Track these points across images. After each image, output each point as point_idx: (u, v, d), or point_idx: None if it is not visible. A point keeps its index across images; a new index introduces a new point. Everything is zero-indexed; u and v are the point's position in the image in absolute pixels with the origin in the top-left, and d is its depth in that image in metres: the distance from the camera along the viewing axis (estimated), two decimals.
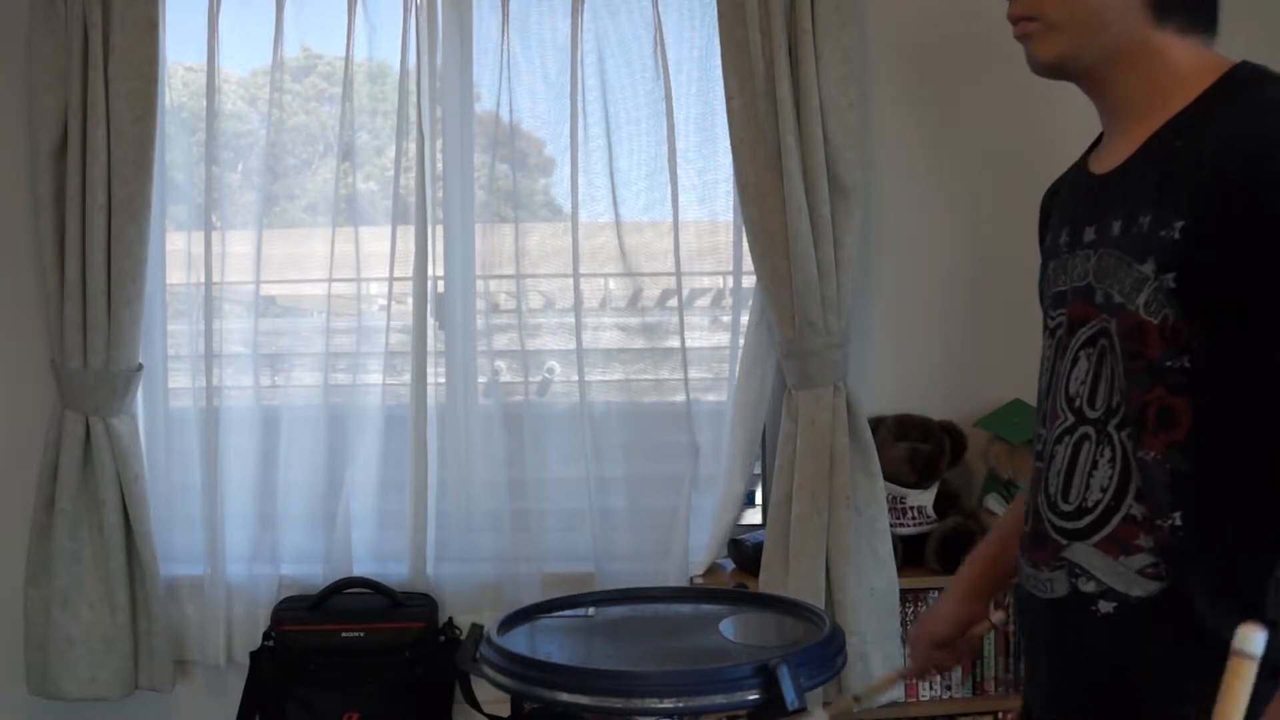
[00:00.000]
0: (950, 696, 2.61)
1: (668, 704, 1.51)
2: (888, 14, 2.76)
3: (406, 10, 2.66)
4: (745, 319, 2.72)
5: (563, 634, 1.82)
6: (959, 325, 2.77)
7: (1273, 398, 1.13)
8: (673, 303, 2.76)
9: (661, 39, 2.69)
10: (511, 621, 1.82)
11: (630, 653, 1.74)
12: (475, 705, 2.58)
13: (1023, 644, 1.42)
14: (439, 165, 2.71)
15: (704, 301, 2.94)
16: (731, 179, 2.64)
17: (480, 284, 2.76)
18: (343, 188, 2.71)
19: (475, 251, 2.75)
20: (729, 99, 2.56)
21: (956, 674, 2.60)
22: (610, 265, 2.77)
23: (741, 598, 1.99)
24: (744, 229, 2.62)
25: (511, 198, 2.74)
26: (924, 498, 2.65)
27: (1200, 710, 1.15)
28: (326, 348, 2.73)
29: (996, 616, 1.57)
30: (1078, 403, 1.26)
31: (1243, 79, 1.22)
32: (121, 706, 2.61)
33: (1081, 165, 1.39)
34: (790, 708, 1.50)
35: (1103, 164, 1.32)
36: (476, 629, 2.63)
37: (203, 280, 2.68)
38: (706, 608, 1.90)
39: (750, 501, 2.83)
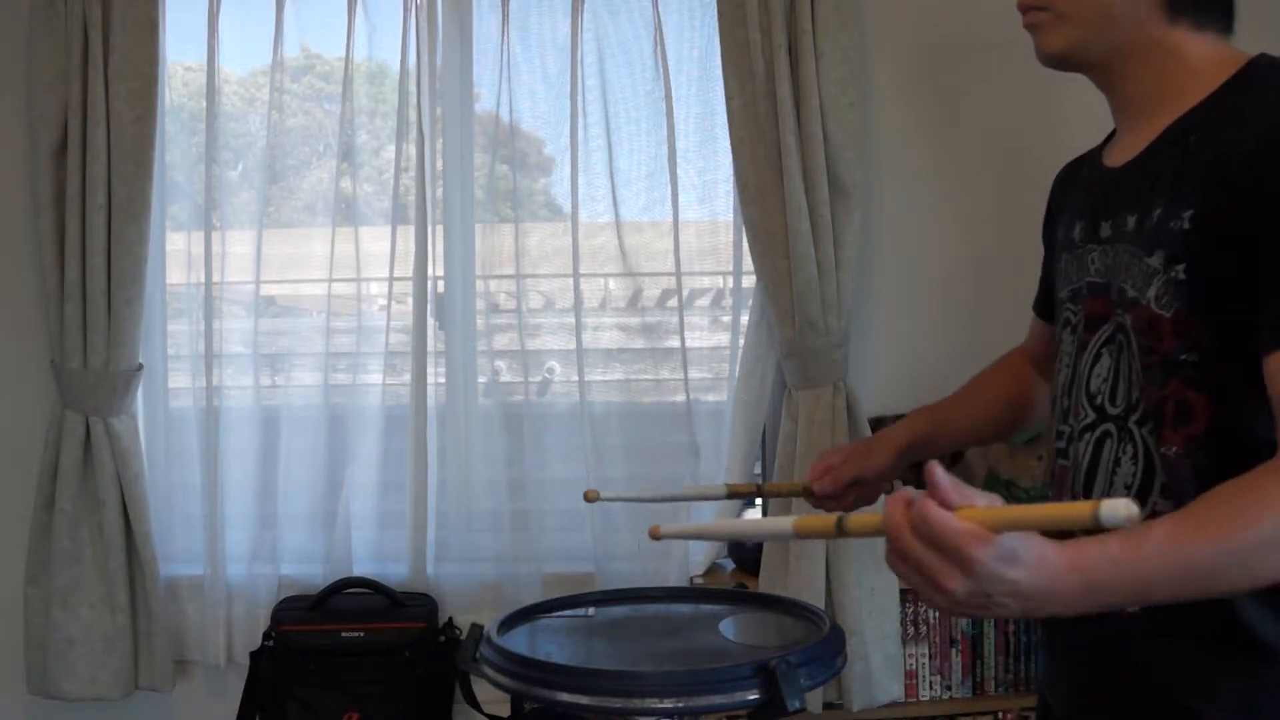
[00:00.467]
0: (950, 696, 2.61)
1: (668, 704, 1.51)
2: (888, 14, 2.76)
3: (406, 10, 2.66)
4: (745, 319, 2.72)
5: (563, 634, 1.82)
6: (959, 325, 2.77)
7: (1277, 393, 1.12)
8: (673, 303, 2.76)
9: (661, 39, 2.69)
10: (511, 621, 1.82)
11: (630, 653, 1.73)
12: (475, 705, 2.58)
13: (1044, 643, 1.41)
14: (439, 165, 2.71)
15: (704, 301, 2.94)
16: (731, 179, 2.64)
17: (480, 284, 2.76)
18: (342, 187, 2.72)
19: (475, 251, 2.75)
20: (729, 99, 2.56)
21: (957, 674, 2.61)
22: (610, 265, 2.77)
23: (741, 598, 1.98)
24: (744, 229, 2.62)
25: (511, 198, 2.74)
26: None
27: (1230, 711, 1.15)
28: (326, 348, 2.73)
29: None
30: (1099, 399, 1.25)
31: (1261, 72, 1.20)
32: (121, 706, 2.62)
33: (1095, 158, 1.37)
34: (790, 708, 1.50)
35: (1116, 158, 1.30)
36: (476, 629, 2.63)
37: (203, 280, 2.68)
38: (706, 608, 1.90)
39: (750, 501, 2.83)
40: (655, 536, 1.31)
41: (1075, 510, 0.90)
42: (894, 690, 2.57)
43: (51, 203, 2.53)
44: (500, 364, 2.80)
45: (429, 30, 2.66)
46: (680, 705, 1.51)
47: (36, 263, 2.59)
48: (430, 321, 2.71)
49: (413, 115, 2.66)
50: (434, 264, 2.71)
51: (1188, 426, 1.16)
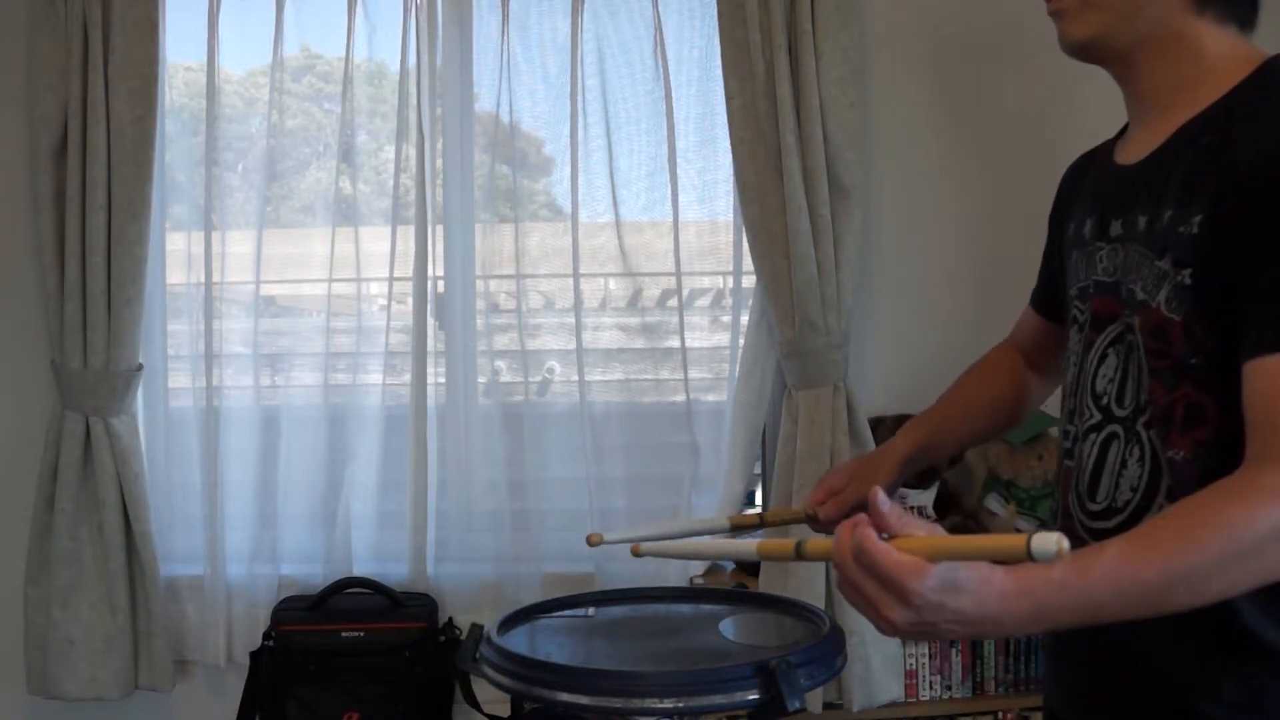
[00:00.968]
0: (950, 696, 2.61)
1: (668, 704, 1.51)
2: (888, 14, 2.76)
3: (406, 10, 2.66)
4: (745, 319, 2.72)
5: (563, 634, 1.81)
6: (959, 325, 2.77)
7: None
8: (673, 303, 2.76)
9: (661, 39, 2.69)
10: (511, 621, 1.82)
11: (630, 653, 1.73)
12: (475, 705, 2.58)
13: (1046, 644, 1.41)
14: (439, 165, 2.71)
15: (704, 301, 2.94)
16: (731, 179, 2.64)
17: (480, 284, 2.76)
18: (342, 188, 2.72)
19: (475, 251, 2.75)
20: (729, 99, 2.56)
21: (957, 674, 2.61)
22: (610, 265, 2.77)
23: (741, 598, 1.98)
24: (744, 229, 2.62)
25: (511, 198, 2.74)
26: (924, 498, 2.65)
27: (1233, 711, 1.15)
28: (326, 348, 2.73)
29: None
30: (1105, 400, 1.25)
31: (1273, 73, 1.20)
32: (121, 706, 2.62)
33: (1107, 153, 1.36)
34: (790, 708, 1.50)
35: (1129, 155, 1.29)
36: (476, 629, 2.63)
37: (203, 280, 2.68)
38: (706, 608, 1.90)
39: (750, 501, 2.83)
40: (636, 554, 1.37)
41: (1009, 542, 0.92)
42: (894, 690, 2.57)
43: (51, 203, 2.53)
44: (500, 364, 2.80)
45: (429, 30, 2.66)
46: (680, 705, 1.51)
47: (36, 263, 2.59)
48: (430, 321, 2.71)
49: (412, 115, 2.66)
50: (434, 264, 2.71)
51: (1196, 430, 1.16)
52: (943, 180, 2.80)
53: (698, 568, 2.71)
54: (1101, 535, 1.22)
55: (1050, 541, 0.89)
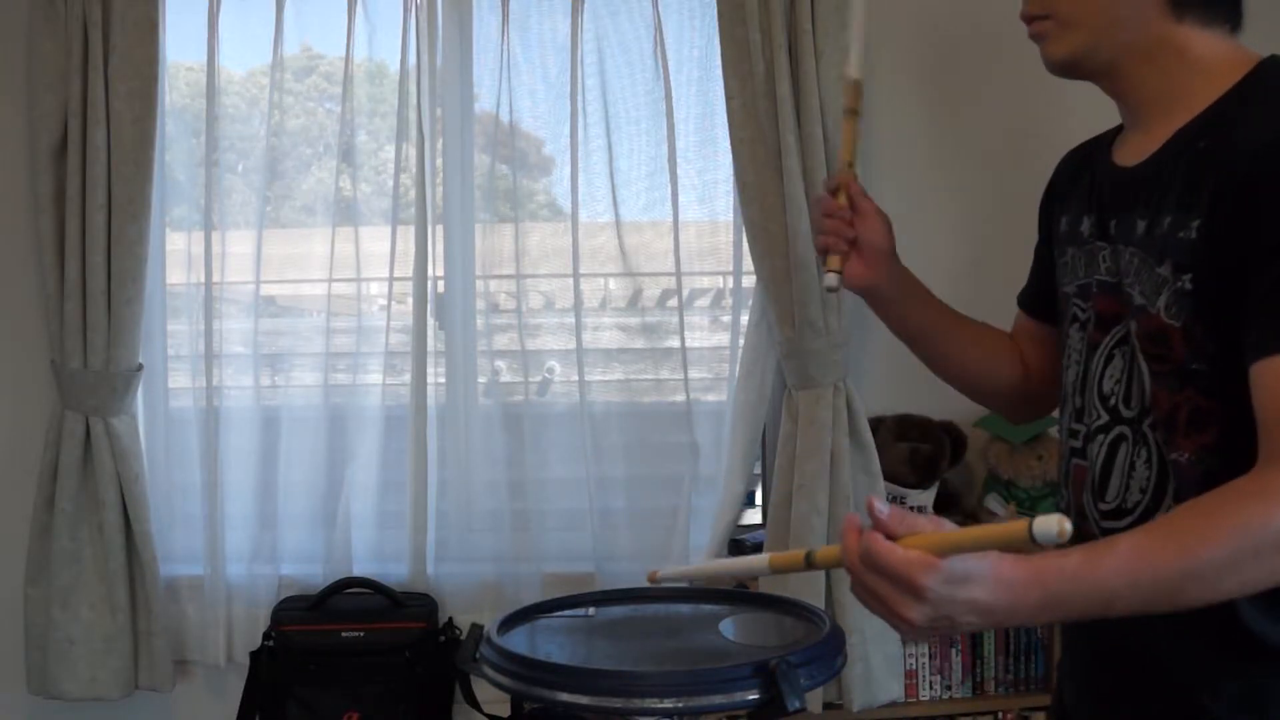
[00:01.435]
0: (950, 696, 2.61)
1: (668, 704, 1.51)
2: (888, 14, 2.75)
3: (406, 10, 2.66)
4: (745, 319, 2.72)
5: (563, 634, 1.81)
6: None
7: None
8: (673, 303, 2.76)
9: (661, 39, 2.69)
10: (511, 621, 1.82)
11: (630, 653, 1.73)
12: (475, 705, 2.58)
13: (1061, 635, 1.42)
14: (439, 165, 2.71)
15: (704, 301, 2.94)
16: (731, 179, 2.64)
17: (480, 284, 2.76)
18: (342, 187, 2.72)
19: (475, 251, 2.75)
20: (729, 99, 2.56)
21: (957, 674, 2.61)
22: (610, 265, 2.77)
23: (741, 598, 1.98)
24: (744, 229, 2.62)
25: (511, 198, 2.74)
26: (924, 498, 2.65)
27: (1237, 708, 1.16)
28: (326, 348, 2.73)
29: None
30: (1113, 401, 1.25)
31: (1268, 75, 1.19)
32: (121, 706, 2.62)
33: (1105, 151, 1.35)
34: (790, 708, 1.50)
35: (1126, 157, 1.29)
36: (476, 629, 2.63)
37: (203, 280, 2.68)
38: (706, 608, 1.90)
39: (750, 501, 2.83)
40: (653, 581, 1.40)
41: (1012, 529, 0.94)
42: (894, 690, 2.57)
43: (51, 203, 2.53)
44: (500, 364, 2.80)
45: (429, 30, 2.66)
46: (680, 705, 1.51)
47: (36, 263, 2.59)
48: (430, 321, 2.71)
49: (412, 115, 2.66)
50: (434, 264, 2.71)
51: (1200, 434, 1.16)
52: (942, 180, 2.80)
53: None
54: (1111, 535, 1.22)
55: (1052, 523, 0.91)
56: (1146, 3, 1.21)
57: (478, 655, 1.70)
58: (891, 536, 1.01)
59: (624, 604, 1.92)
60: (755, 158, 2.56)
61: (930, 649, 2.60)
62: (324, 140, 2.80)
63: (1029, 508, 2.65)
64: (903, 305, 1.58)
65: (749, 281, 2.72)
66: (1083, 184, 1.38)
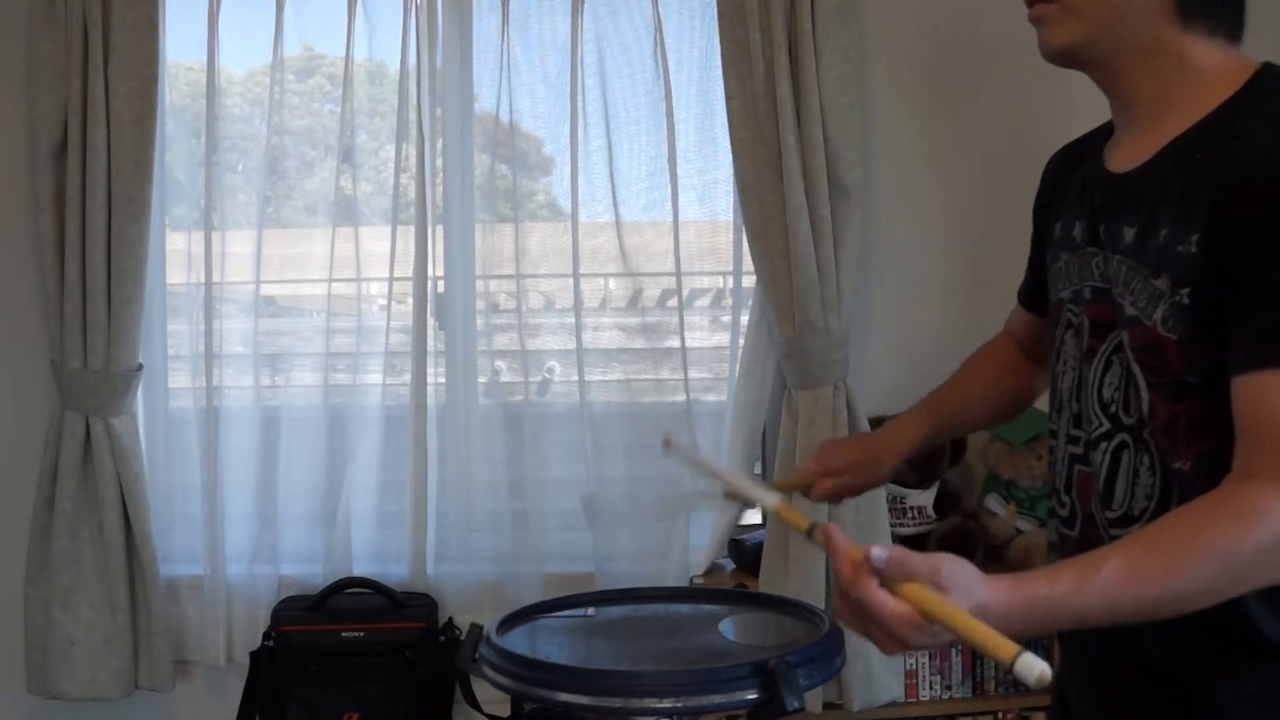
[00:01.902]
0: (950, 696, 2.61)
1: (667, 704, 1.51)
2: (888, 14, 2.75)
3: (406, 10, 2.66)
4: (745, 319, 2.72)
5: (562, 634, 1.81)
6: (959, 325, 2.76)
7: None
8: (673, 303, 2.76)
9: (661, 39, 2.69)
10: (511, 621, 1.82)
11: (630, 653, 1.73)
12: (475, 705, 2.58)
13: (1060, 639, 1.41)
14: (439, 165, 2.71)
15: (704, 301, 2.94)
16: (731, 179, 2.64)
17: (480, 284, 2.76)
18: (342, 187, 2.72)
19: (475, 251, 2.75)
20: (729, 99, 2.56)
21: (957, 674, 2.61)
22: (610, 265, 2.77)
23: (741, 598, 1.98)
24: (744, 229, 2.62)
25: (511, 198, 2.74)
26: (924, 498, 2.65)
27: (1243, 705, 1.16)
28: (326, 348, 2.73)
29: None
30: (1113, 408, 1.24)
31: (1265, 84, 1.18)
32: (121, 706, 2.62)
33: (1096, 154, 1.34)
34: (790, 708, 1.50)
35: (1118, 162, 1.27)
36: (476, 629, 2.63)
37: (203, 280, 2.68)
38: (706, 608, 1.90)
39: (750, 501, 2.82)
40: (666, 445, 1.41)
41: (999, 649, 0.97)
42: (894, 690, 2.57)
43: (51, 203, 2.53)
44: (500, 364, 2.80)
45: (429, 30, 2.66)
46: (680, 705, 1.51)
47: (36, 263, 2.59)
48: (430, 321, 2.71)
49: (413, 115, 2.66)
50: (434, 264, 2.71)
51: (1201, 443, 1.16)
52: (942, 180, 2.80)
53: (698, 568, 2.71)
54: None
55: (1034, 668, 0.93)
56: (1155, 5, 1.20)
57: (477, 655, 1.70)
58: (886, 584, 1.03)
59: (624, 604, 1.92)
60: (755, 158, 2.56)
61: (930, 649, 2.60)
62: (324, 140, 2.80)
63: (1028, 508, 2.65)
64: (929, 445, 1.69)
65: (749, 281, 2.72)
66: (1073, 187, 1.37)
